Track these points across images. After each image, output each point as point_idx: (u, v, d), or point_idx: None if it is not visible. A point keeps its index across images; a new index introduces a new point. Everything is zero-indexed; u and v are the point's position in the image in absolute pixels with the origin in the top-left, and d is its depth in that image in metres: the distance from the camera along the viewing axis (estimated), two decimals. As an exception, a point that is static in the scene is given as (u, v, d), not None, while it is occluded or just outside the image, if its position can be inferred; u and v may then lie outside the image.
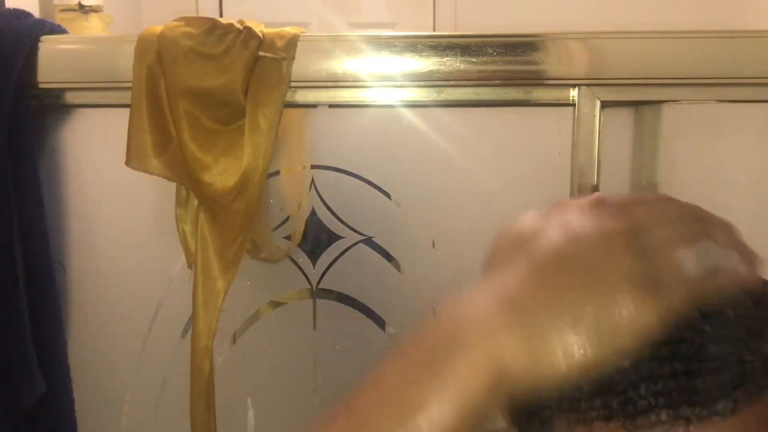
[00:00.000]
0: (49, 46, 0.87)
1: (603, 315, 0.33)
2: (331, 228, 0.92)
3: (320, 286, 0.94)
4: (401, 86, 0.85)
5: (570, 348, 0.33)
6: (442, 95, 0.85)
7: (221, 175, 0.83)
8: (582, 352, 0.33)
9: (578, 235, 0.35)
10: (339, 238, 0.92)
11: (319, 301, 0.94)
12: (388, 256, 0.92)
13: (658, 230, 0.35)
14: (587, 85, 0.83)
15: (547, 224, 0.38)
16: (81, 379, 0.95)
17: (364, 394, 0.37)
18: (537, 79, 0.84)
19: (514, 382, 0.34)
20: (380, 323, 0.93)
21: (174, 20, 0.86)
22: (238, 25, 0.84)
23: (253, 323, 0.95)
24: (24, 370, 0.88)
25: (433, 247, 0.91)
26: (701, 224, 0.36)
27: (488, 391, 0.34)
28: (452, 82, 0.84)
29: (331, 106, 0.89)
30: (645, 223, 0.35)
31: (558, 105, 0.85)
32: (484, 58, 0.83)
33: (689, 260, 0.34)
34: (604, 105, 0.83)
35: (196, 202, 0.87)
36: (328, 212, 0.92)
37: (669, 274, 0.34)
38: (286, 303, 0.95)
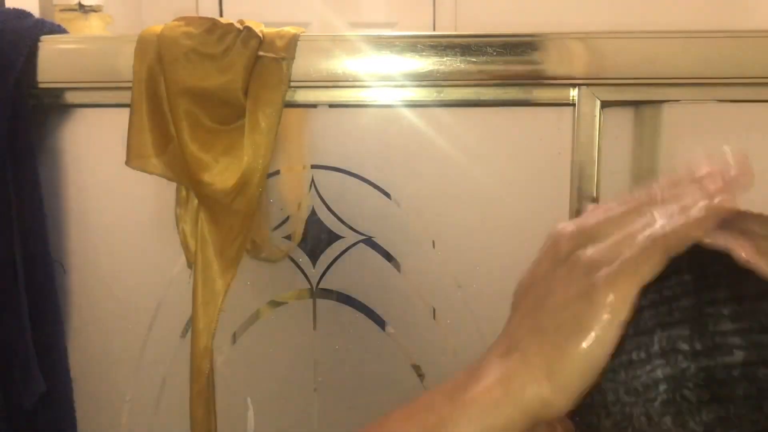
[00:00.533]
0: (49, 46, 0.87)
1: (570, 320, 0.37)
2: (331, 228, 0.92)
3: (320, 286, 0.94)
4: (401, 86, 0.85)
5: (550, 364, 0.37)
6: (442, 95, 0.85)
7: (221, 174, 0.83)
8: (560, 366, 0.37)
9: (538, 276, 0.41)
10: (339, 237, 0.92)
11: (319, 301, 0.94)
12: (388, 256, 0.92)
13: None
14: (587, 84, 0.83)
15: (534, 269, 0.42)
16: (81, 379, 0.95)
17: (392, 416, 0.42)
18: (537, 79, 0.84)
19: (532, 404, 0.37)
20: (380, 323, 0.93)
21: (174, 20, 0.86)
22: (238, 25, 0.84)
23: (253, 323, 0.95)
24: (24, 370, 0.88)
25: (433, 247, 0.91)
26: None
27: (507, 412, 0.38)
28: (452, 82, 0.84)
29: (331, 105, 0.89)
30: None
31: (558, 105, 0.85)
32: (484, 58, 0.83)
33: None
34: (604, 105, 0.83)
35: (196, 201, 0.87)
36: (328, 212, 0.92)
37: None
38: (286, 303, 0.95)
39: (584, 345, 0.37)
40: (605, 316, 0.36)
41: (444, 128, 0.88)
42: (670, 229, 0.36)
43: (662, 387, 0.38)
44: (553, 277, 0.40)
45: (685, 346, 0.38)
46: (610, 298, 0.36)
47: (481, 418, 0.38)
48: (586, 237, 0.40)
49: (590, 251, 0.38)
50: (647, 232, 0.37)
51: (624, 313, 0.36)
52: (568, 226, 0.42)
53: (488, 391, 0.38)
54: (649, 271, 0.36)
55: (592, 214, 0.40)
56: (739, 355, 0.37)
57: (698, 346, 0.37)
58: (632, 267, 0.36)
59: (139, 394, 0.97)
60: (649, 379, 0.38)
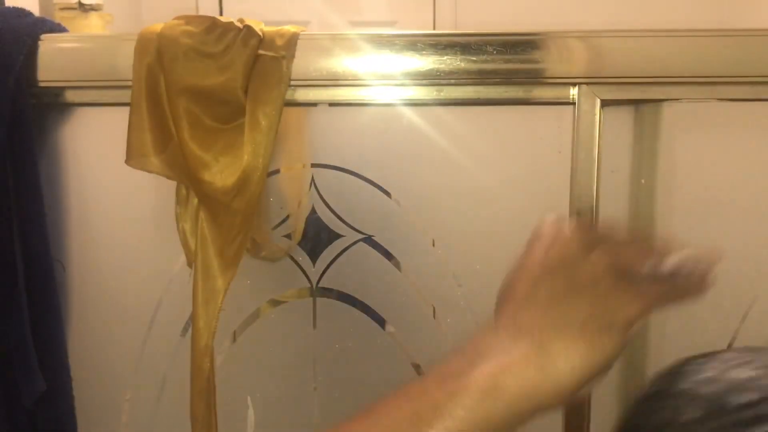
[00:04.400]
0: (49, 45, 0.87)
1: (600, 318, 0.38)
2: (331, 227, 0.92)
3: (320, 285, 0.94)
4: (401, 85, 0.85)
5: (572, 356, 0.38)
6: (442, 94, 0.85)
7: (221, 173, 0.83)
8: (581, 358, 0.38)
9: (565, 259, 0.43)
10: (339, 236, 0.92)
11: (319, 299, 0.94)
12: (389, 255, 0.92)
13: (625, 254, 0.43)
14: (587, 83, 0.83)
15: (538, 258, 0.45)
16: (81, 379, 0.95)
17: (384, 401, 0.40)
18: (537, 78, 0.84)
19: (523, 394, 0.38)
20: (380, 322, 0.93)
21: (174, 19, 0.86)
22: (238, 24, 0.84)
23: (252, 322, 0.95)
24: (24, 369, 0.88)
25: (433, 245, 0.91)
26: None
27: (500, 404, 0.37)
28: (452, 81, 0.84)
29: (331, 104, 0.89)
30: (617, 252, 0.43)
31: (558, 104, 0.85)
32: (485, 57, 0.83)
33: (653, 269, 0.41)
34: (604, 104, 0.83)
35: (196, 200, 0.87)
36: (328, 211, 0.92)
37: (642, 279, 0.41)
38: (286, 302, 0.95)
39: (611, 344, 0.38)
40: (636, 324, 0.39)
41: (444, 127, 0.88)
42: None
43: None
44: (575, 274, 0.40)
45: None
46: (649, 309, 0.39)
47: (478, 405, 0.36)
48: (596, 241, 0.42)
49: (623, 260, 0.41)
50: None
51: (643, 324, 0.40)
52: (564, 224, 0.44)
53: (489, 377, 0.37)
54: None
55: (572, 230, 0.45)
56: None
57: None
58: (681, 294, 0.40)
59: (139, 393, 0.97)
60: None
